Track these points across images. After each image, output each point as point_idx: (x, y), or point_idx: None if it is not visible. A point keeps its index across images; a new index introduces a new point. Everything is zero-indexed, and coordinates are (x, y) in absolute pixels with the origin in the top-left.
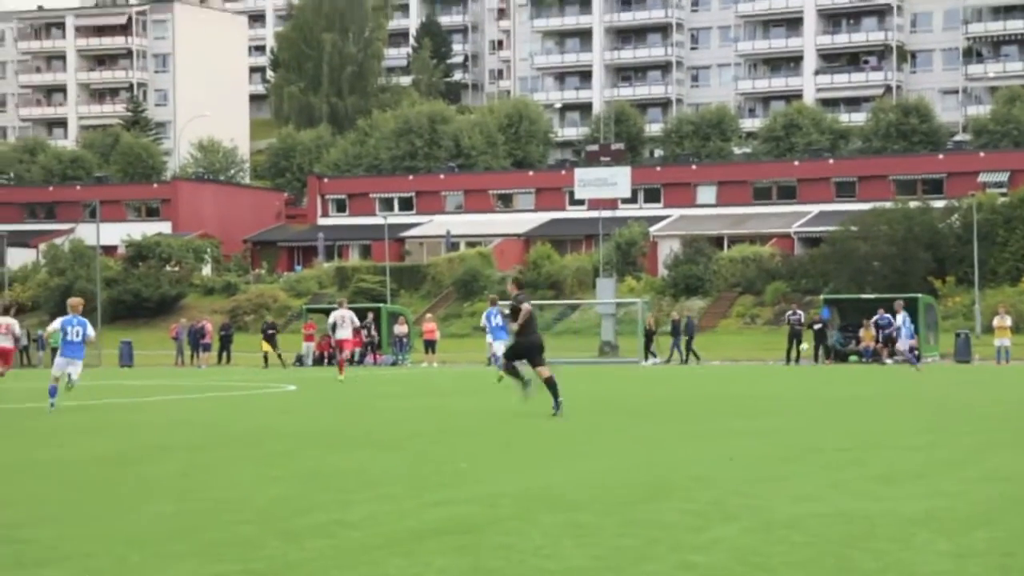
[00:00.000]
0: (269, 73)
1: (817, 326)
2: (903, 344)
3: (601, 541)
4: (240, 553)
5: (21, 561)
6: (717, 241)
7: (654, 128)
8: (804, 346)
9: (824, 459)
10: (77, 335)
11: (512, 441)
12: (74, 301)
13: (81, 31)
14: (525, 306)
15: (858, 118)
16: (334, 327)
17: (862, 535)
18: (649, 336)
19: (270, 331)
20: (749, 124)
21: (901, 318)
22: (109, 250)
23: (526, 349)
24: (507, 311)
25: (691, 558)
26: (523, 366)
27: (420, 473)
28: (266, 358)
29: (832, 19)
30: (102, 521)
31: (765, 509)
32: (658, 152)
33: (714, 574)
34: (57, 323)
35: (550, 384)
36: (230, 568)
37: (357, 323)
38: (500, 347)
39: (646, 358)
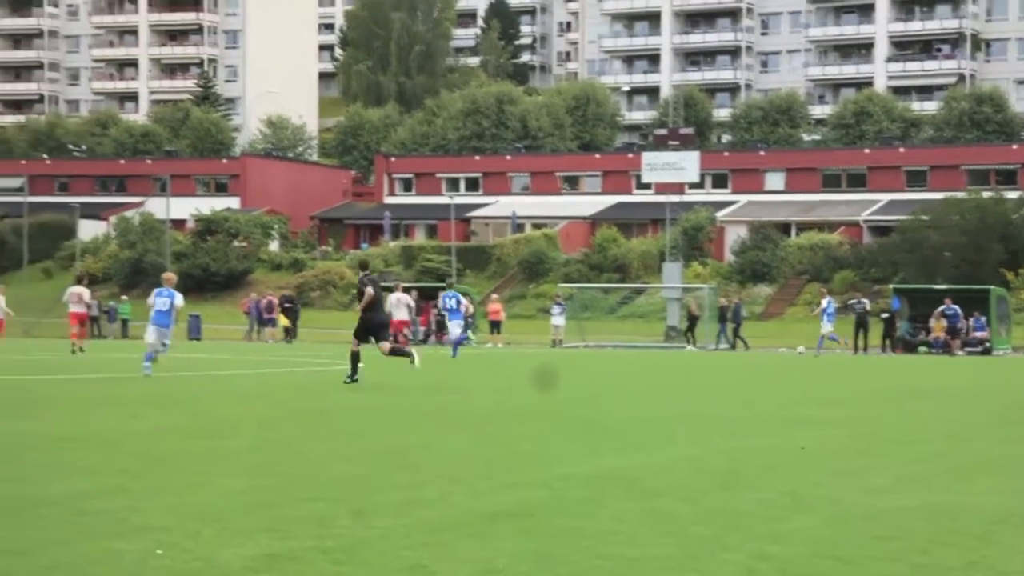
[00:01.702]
0: (338, 51)
1: (884, 315)
2: (825, 328)
3: (677, 529)
4: (311, 530)
5: (93, 533)
6: (785, 228)
7: (722, 113)
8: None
9: (901, 451)
10: (165, 305)
11: (583, 424)
12: (168, 275)
13: (154, 5)
14: (368, 290)
15: (930, 106)
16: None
17: (943, 530)
18: (692, 321)
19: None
20: (819, 111)
21: (825, 302)
22: (178, 224)
23: (373, 326)
24: (457, 296)
25: (768, 549)
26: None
27: (491, 454)
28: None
29: (905, 6)
30: (173, 494)
31: (841, 501)
32: (726, 137)
33: (791, 566)
34: (152, 296)
35: (396, 352)
36: (301, 544)
37: (412, 305)
38: (455, 328)
39: (688, 343)
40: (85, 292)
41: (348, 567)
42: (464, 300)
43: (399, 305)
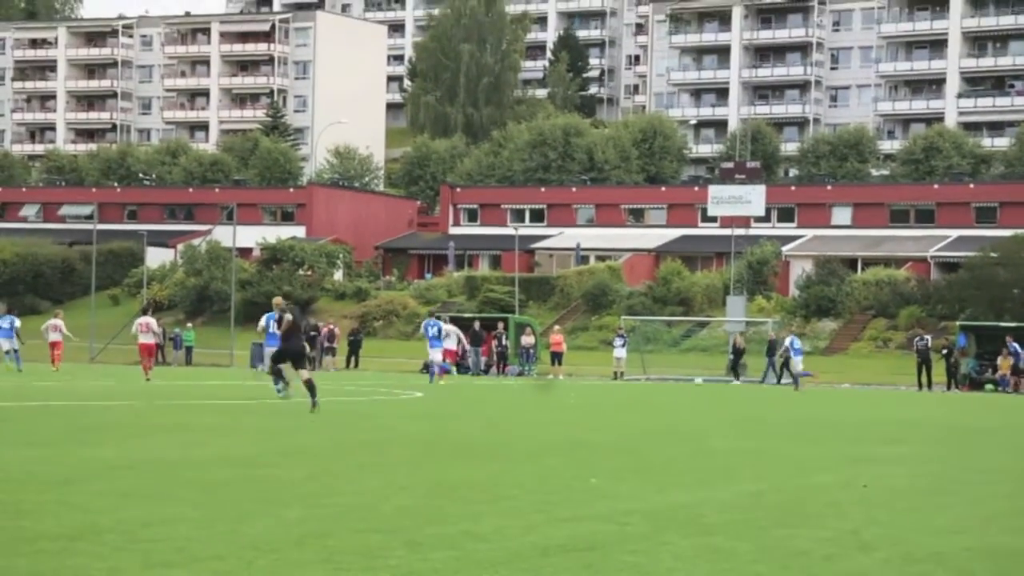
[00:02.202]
0: (406, 82)
1: (944, 351)
2: (796, 366)
3: (735, 567)
4: (365, 562)
5: (149, 561)
6: (851, 263)
7: (790, 147)
8: (799, 366)
9: (966, 491)
10: (276, 328)
11: (643, 459)
12: (278, 300)
13: (225, 37)
14: (287, 316)
15: (1001, 143)
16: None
17: (1010, 573)
18: (738, 355)
19: (312, 333)
20: (888, 146)
21: (789, 340)
22: (244, 252)
23: (290, 354)
24: (439, 325)
25: None
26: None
27: (548, 487)
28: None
29: (978, 42)
30: (228, 523)
31: (904, 541)
32: (793, 172)
33: None
34: (264, 319)
35: (309, 385)
36: None
37: (461, 336)
38: (436, 355)
39: (736, 377)
40: (153, 322)
41: None
42: (446, 327)
43: (449, 335)
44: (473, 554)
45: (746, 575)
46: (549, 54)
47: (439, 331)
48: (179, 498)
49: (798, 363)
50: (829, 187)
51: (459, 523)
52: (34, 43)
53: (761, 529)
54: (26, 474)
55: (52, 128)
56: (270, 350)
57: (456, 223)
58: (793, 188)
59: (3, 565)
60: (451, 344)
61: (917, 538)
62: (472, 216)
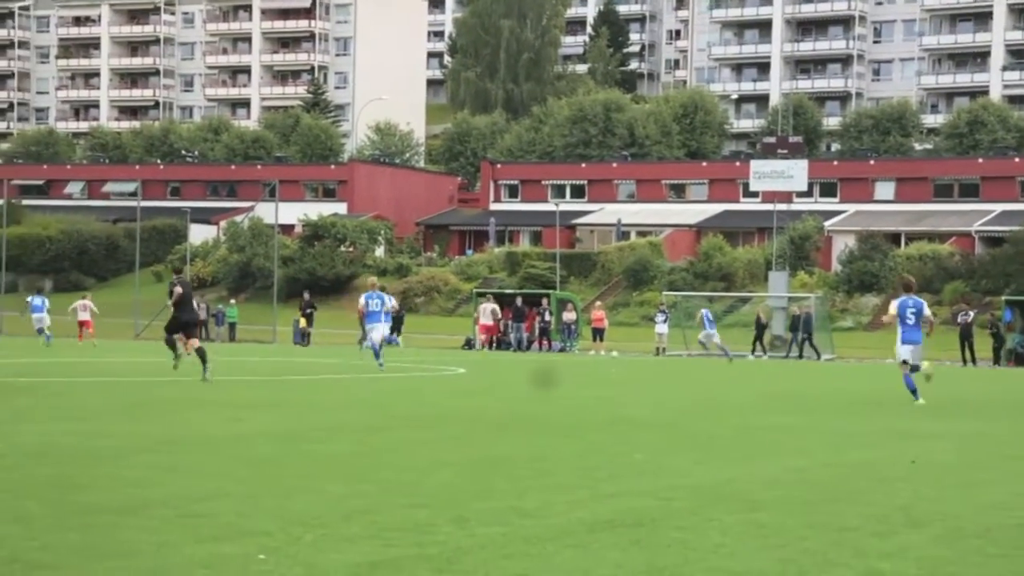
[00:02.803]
0: (447, 58)
1: (991, 329)
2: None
3: (783, 543)
4: (412, 537)
5: (199, 536)
6: (894, 238)
7: (832, 122)
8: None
9: (1015, 466)
10: (377, 306)
11: (686, 434)
12: (372, 280)
13: (267, 14)
14: (177, 289)
15: None
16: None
17: None
18: (760, 330)
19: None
20: (931, 120)
21: (702, 313)
22: (286, 229)
23: (182, 324)
24: (381, 297)
25: (878, 565)
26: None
27: (592, 463)
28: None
29: (1023, 14)
30: (275, 498)
31: (954, 516)
32: (835, 146)
33: None
34: (363, 299)
35: (200, 353)
36: (404, 552)
37: (499, 314)
38: (375, 331)
39: (753, 352)
40: (89, 303)
41: (449, 575)
42: (389, 300)
43: (485, 312)
44: (520, 530)
45: (795, 551)
46: (589, 29)
47: (380, 303)
48: (225, 473)
49: (713, 335)
50: (872, 162)
51: (505, 499)
52: (78, 21)
53: (808, 505)
54: (75, 448)
55: (96, 105)
56: (371, 328)
57: (497, 199)
58: (835, 163)
59: (55, 539)
60: (487, 320)
61: (967, 513)
62: (513, 192)
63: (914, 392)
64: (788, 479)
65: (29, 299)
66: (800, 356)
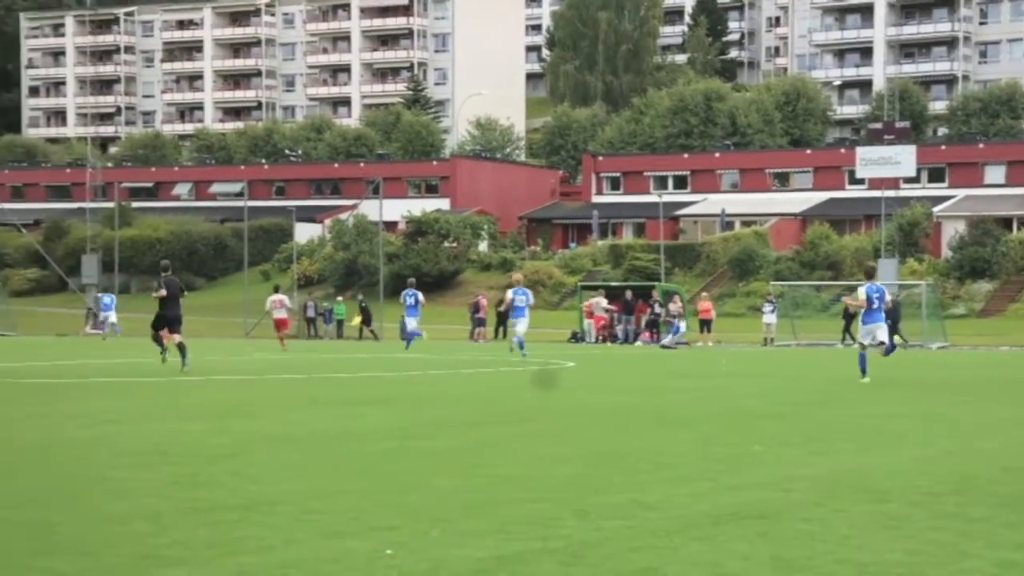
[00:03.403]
0: (545, 52)
1: None
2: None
3: (912, 534)
4: (536, 531)
5: (325, 531)
6: (1006, 222)
7: (938, 106)
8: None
9: None
10: (522, 301)
11: (803, 424)
12: (517, 276)
13: (366, 12)
14: (162, 292)
15: None
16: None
17: None
18: (848, 319)
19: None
20: None
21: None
22: (390, 226)
23: (168, 321)
24: (416, 295)
25: (1012, 556)
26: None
27: (710, 455)
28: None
29: None
30: (394, 494)
31: None
32: (942, 130)
33: None
34: (510, 293)
35: (181, 348)
36: (529, 546)
37: (605, 305)
38: (412, 323)
39: (843, 340)
40: (286, 299)
41: (576, 569)
42: (422, 297)
43: (598, 306)
44: (644, 523)
45: (924, 543)
46: (688, 19)
47: (416, 300)
48: (343, 469)
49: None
50: (981, 145)
51: (626, 492)
52: (181, 24)
53: (934, 496)
54: (196, 446)
55: (200, 107)
56: (515, 321)
57: (599, 191)
58: (943, 147)
59: (184, 535)
60: (599, 312)
61: None
62: (615, 184)
63: (864, 372)
64: (911, 469)
65: (99, 295)
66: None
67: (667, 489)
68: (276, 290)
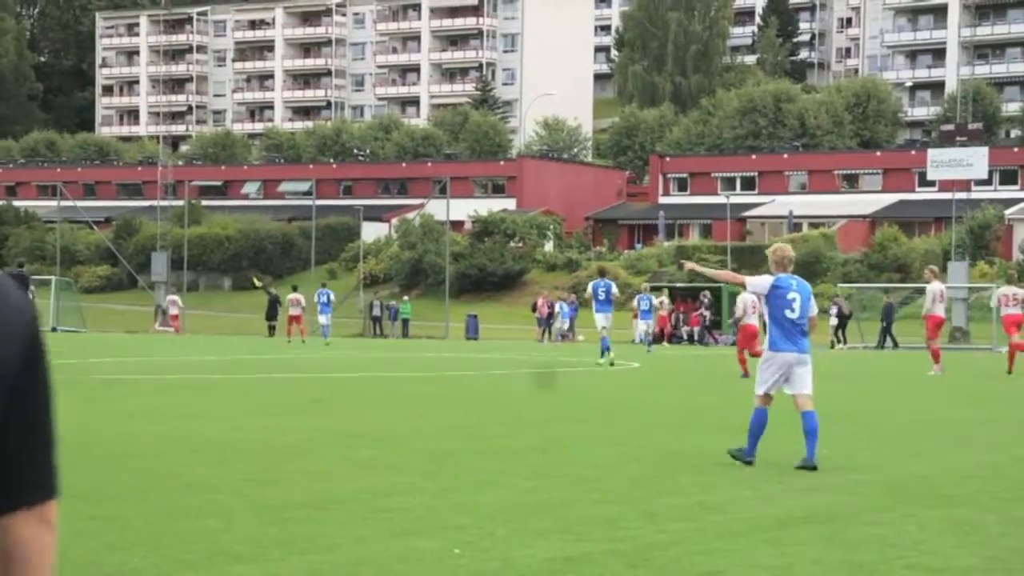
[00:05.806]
0: (613, 52)
1: None
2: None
3: (984, 540)
4: (603, 532)
5: (393, 530)
6: None
7: (1012, 108)
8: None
9: None
10: (603, 295)
11: (872, 428)
12: (601, 266)
13: (435, 12)
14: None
15: None
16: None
17: None
18: (843, 320)
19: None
20: None
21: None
22: (457, 225)
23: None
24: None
25: None
26: None
27: (778, 457)
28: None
29: None
30: (464, 493)
31: None
32: (1015, 133)
33: None
34: (590, 287)
35: None
36: (595, 548)
37: (654, 304)
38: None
39: (837, 343)
40: (302, 298)
41: (643, 571)
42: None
43: (664, 306)
44: (711, 525)
45: (998, 549)
46: (758, 19)
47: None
48: (412, 468)
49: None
50: None
51: (693, 494)
52: (253, 24)
53: (1006, 501)
54: (265, 444)
55: (270, 107)
56: (599, 316)
57: (665, 192)
58: (1016, 149)
59: (255, 533)
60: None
61: None
62: (682, 185)
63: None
64: (982, 474)
65: (319, 291)
66: (879, 346)
67: (733, 491)
68: (294, 289)
